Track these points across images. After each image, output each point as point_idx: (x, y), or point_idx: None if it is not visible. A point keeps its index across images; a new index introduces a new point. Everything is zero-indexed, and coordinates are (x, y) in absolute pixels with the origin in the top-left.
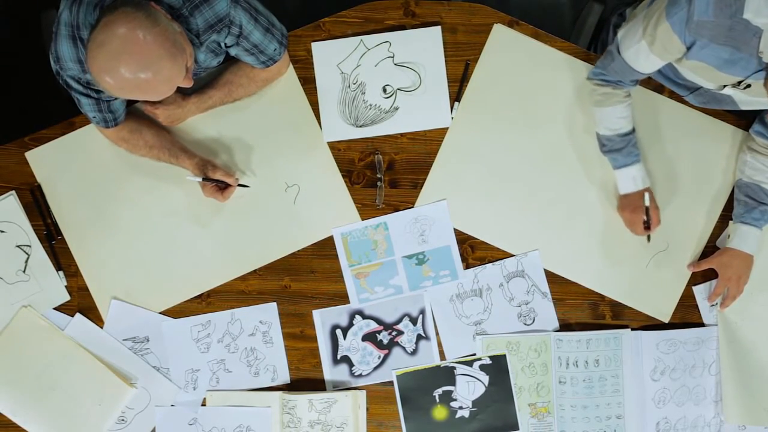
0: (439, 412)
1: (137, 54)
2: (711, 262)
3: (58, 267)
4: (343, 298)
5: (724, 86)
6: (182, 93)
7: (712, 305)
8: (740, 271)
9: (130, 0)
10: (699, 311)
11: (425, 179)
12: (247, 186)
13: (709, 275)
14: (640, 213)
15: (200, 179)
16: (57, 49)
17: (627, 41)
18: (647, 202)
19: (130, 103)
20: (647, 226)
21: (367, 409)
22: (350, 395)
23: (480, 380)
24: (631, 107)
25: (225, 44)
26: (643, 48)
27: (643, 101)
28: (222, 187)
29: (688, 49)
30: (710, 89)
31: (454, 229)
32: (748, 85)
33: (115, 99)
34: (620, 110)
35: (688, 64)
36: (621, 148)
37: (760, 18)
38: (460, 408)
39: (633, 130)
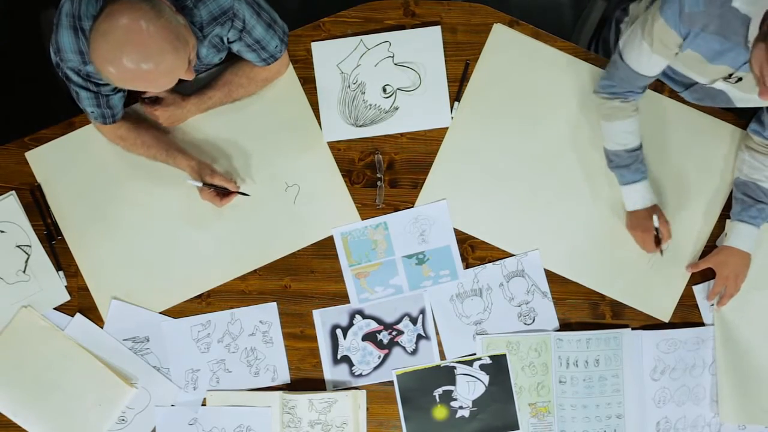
0: (439, 412)
1: (140, 45)
2: (708, 261)
3: (58, 267)
4: (343, 298)
5: (716, 80)
6: (182, 93)
7: (711, 304)
8: (737, 269)
9: None
10: (699, 311)
11: (425, 179)
12: (248, 194)
13: (709, 275)
14: (650, 232)
15: (200, 184)
16: (58, 39)
17: (628, 47)
18: (656, 224)
19: (128, 101)
20: (658, 242)
21: (367, 409)
22: (350, 395)
23: (480, 380)
24: (638, 122)
25: (228, 39)
26: (644, 50)
27: (643, 101)
28: (221, 193)
29: (684, 39)
30: (704, 84)
31: (454, 229)
32: (740, 79)
33: (114, 94)
34: (628, 125)
35: (680, 56)
36: (629, 164)
37: (749, 6)
38: (461, 408)
39: (641, 146)
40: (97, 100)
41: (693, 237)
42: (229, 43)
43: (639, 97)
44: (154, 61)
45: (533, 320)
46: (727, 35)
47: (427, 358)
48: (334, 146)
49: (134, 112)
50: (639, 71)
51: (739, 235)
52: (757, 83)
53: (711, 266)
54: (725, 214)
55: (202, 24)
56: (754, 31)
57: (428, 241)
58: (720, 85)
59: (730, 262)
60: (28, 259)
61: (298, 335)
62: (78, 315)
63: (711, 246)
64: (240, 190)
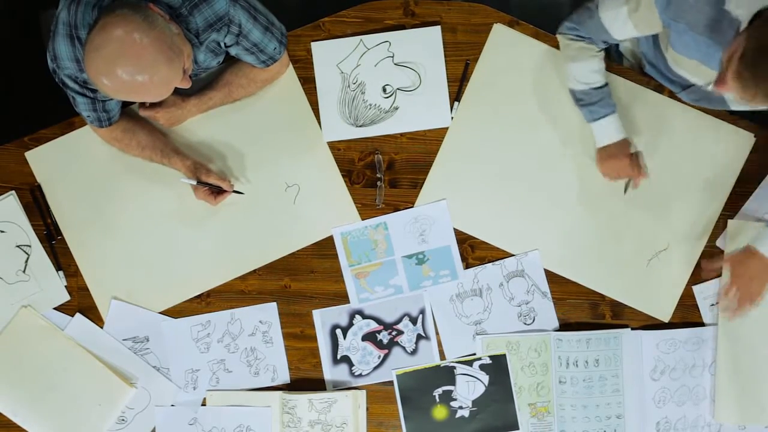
0: (439, 412)
1: (134, 57)
2: (727, 259)
3: (58, 267)
4: (343, 298)
5: (710, 83)
6: (182, 94)
7: (712, 304)
8: (753, 272)
9: (127, 2)
10: (699, 311)
11: (425, 179)
12: (242, 193)
13: (708, 277)
14: (622, 159)
15: (194, 182)
16: (54, 47)
17: (608, 2)
18: (633, 149)
19: (125, 104)
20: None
21: (367, 409)
22: (350, 395)
23: (480, 380)
24: (603, 61)
25: (225, 44)
26: (622, 13)
27: (644, 101)
28: (215, 191)
29: (667, 27)
30: (701, 86)
31: (454, 229)
32: None
33: (111, 99)
34: (594, 63)
35: (674, 58)
36: (597, 100)
37: (741, 9)
38: (460, 408)
39: (607, 84)
40: (94, 105)
41: (693, 237)
42: (226, 47)
43: (602, 47)
44: (149, 73)
45: (533, 320)
46: (716, 38)
47: (427, 358)
48: (334, 146)
49: (131, 113)
50: (608, 30)
51: (764, 240)
52: (720, 71)
53: (727, 264)
54: (726, 214)
55: (197, 31)
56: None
57: (428, 241)
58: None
59: (748, 264)
60: (28, 259)
61: (297, 335)
62: (78, 315)
63: (711, 246)
64: (234, 189)
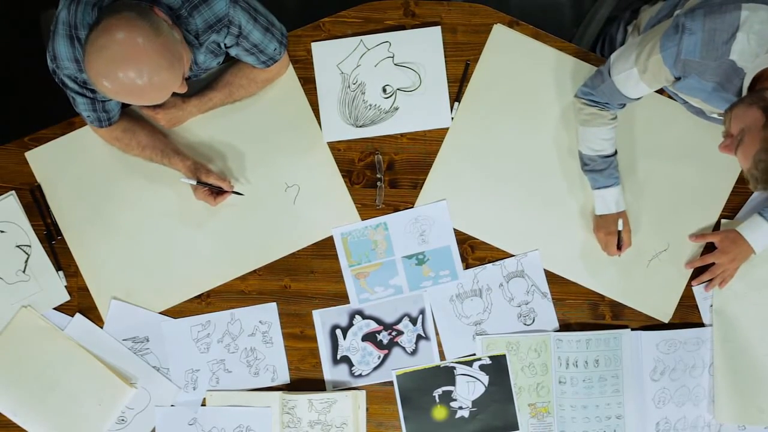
0: (439, 412)
1: (136, 61)
2: (716, 236)
3: (58, 267)
4: (343, 298)
5: (713, 113)
6: (182, 95)
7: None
8: (735, 255)
9: (133, 5)
10: (699, 311)
11: (425, 179)
12: (242, 194)
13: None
14: (613, 235)
15: (194, 182)
16: (54, 47)
17: (619, 65)
18: (620, 227)
19: (125, 104)
20: (619, 247)
21: (367, 409)
22: (350, 395)
23: (480, 380)
24: (615, 130)
25: (225, 44)
26: (633, 75)
27: (644, 100)
28: (215, 192)
29: (677, 79)
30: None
31: (454, 229)
32: None
33: (110, 100)
34: (605, 132)
35: (678, 92)
36: (602, 169)
37: (745, 61)
38: (460, 408)
39: (615, 153)
40: (93, 105)
41: None
42: (226, 48)
43: (617, 111)
44: (149, 77)
45: (533, 320)
46: (723, 84)
47: (427, 358)
48: (334, 146)
49: (131, 113)
50: (622, 91)
51: (755, 228)
52: (724, 135)
53: (716, 241)
54: (725, 214)
55: (197, 32)
56: (747, 85)
57: (428, 241)
58: (714, 114)
59: (739, 244)
60: (28, 259)
61: (297, 335)
62: (78, 315)
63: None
64: (234, 190)
